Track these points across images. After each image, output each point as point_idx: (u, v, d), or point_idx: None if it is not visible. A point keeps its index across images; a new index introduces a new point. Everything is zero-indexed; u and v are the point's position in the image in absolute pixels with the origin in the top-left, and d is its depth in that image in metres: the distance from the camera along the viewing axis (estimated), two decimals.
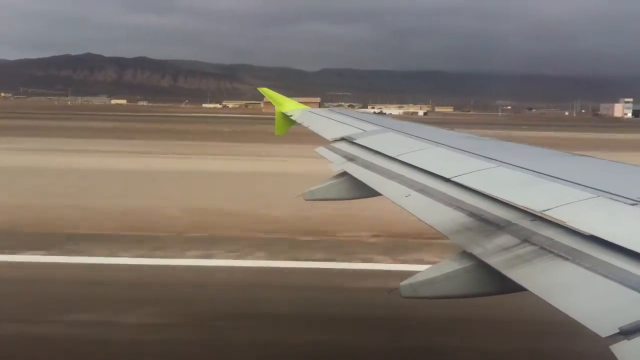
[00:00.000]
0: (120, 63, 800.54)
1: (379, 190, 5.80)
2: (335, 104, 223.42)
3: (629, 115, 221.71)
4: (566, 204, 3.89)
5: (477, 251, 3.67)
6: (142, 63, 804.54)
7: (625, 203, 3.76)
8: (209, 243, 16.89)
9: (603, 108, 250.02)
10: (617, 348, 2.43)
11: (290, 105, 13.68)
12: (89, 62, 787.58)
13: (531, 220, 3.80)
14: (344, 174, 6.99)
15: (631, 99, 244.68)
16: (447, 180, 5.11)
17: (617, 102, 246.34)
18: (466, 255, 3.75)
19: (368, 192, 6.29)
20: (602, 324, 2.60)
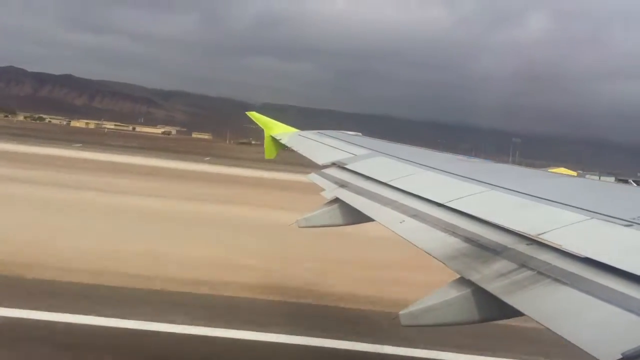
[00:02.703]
0: (41, 79, 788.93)
1: (372, 217, 5.79)
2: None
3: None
4: (561, 226, 3.90)
5: (474, 277, 3.66)
6: (66, 81, 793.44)
7: (619, 224, 3.78)
8: None
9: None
10: None
11: (279, 129, 13.69)
12: (8, 75, 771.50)
13: (527, 245, 3.81)
14: (337, 200, 6.98)
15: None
16: (441, 205, 5.12)
17: None
18: (464, 281, 3.75)
19: (361, 218, 6.28)
20: (605, 350, 2.59)
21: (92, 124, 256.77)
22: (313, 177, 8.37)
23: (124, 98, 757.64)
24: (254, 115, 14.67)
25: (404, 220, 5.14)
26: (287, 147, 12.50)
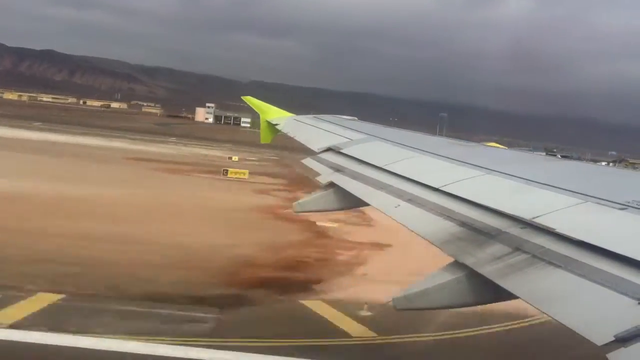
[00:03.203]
0: (22, 54, 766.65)
1: (368, 201, 5.80)
2: None
3: (210, 120, 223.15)
4: (555, 210, 3.91)
5: (469, 261, 3.68)
6: (47, 56, 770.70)
7: (613, 208, 3.79)
8: None
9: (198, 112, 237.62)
10: (613, 356, 2.44)
11: (274, 113, 13.67)
12: None
13: (521, 228, 3.82)
14: (332, 184, 6.98)
15: (213, 104, 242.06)
16: (436, 189, 5.13)
17: (204, 106, 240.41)
18: (458, 265, 3.76)
19: (357, 202, 6.29)
20: (598, 332, 2.61)
21: (24, 97, 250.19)
22: (308, 162, 8.35)
23: (105, 74, 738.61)
24: (249, 100, 14.63)
25: (399, 205, 5.15)
26: (281, 131, 12.50)
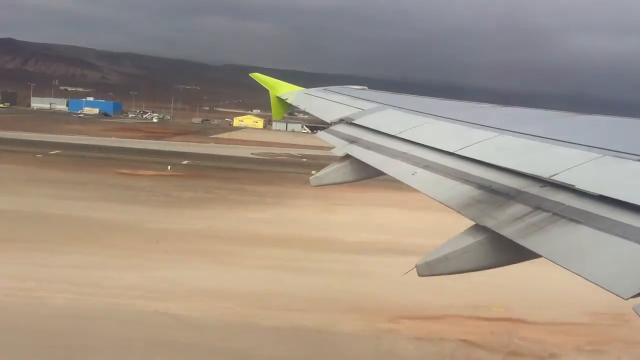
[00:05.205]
0: None
1: (384, 170, 5.81)
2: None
3: None
4: (573, 166, 3.89)
5: (489, 223, 3.68)
6: (4, 45, 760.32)
7: (631, 160, 3.77)
8: None
9: None
10: None
11: (284, 88, 13.58)
12: None
13: (540, 187, 3.81)
14: (347, 156, 6.98)
15: None
16: (452, 154, 5.11)
17: None
18: (479, 228, 3.76)
19: (373, 173, 6.30)
20: (623, 286, 2.61)
21: None
22: (322, 135, 8.35)
23: (58, 61, 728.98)
24: (257, 76, 14.50)
25: (415, 172, 5.15)
26: (293, 106, 12.46)
